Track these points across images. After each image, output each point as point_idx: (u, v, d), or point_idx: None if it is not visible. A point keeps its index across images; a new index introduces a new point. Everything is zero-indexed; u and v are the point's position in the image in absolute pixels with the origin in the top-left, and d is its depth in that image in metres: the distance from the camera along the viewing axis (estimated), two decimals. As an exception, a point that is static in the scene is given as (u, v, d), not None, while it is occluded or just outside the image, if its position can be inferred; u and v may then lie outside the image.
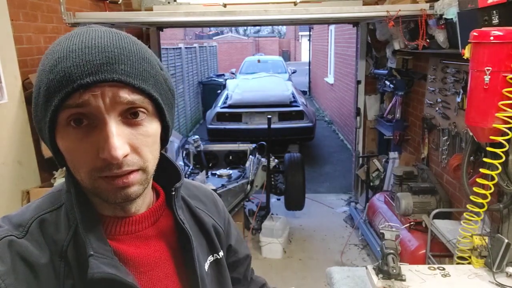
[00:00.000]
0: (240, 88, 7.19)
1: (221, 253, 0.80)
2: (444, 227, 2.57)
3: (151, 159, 0.62)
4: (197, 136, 4.93)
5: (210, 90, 10.22)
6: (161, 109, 0.62)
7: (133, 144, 0.58)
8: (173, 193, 0.71)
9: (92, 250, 0.58)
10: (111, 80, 0.55)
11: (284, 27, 33.13)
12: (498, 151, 1.81)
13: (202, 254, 0.75)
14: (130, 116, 0.58)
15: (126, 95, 0.56)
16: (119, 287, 0.59)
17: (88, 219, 0.62)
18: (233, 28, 29.61)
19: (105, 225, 0.65)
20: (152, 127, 0.62)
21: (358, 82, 4.67)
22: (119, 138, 0.56)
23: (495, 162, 1.84)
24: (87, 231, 0.60)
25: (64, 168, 0.65)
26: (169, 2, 3.49)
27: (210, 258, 0.78)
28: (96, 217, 0.64)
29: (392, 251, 1.80)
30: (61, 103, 0.55)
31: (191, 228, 0.72)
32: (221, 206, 0.88)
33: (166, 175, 0.73)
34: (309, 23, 9.71)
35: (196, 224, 0.77)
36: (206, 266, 0.75)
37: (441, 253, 2.67)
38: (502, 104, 1.75)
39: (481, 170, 1.94)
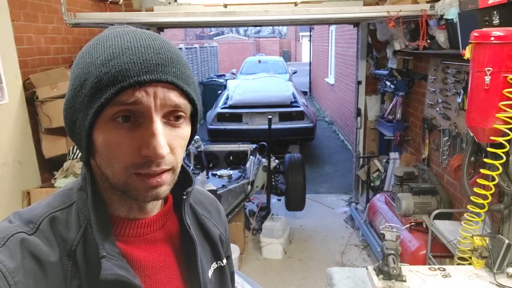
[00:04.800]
0: (240, 88, 7.19)
1: (224, 261, 0.80)
2: (444, 228, 2.57)
3: (180, 161, 0.64)
4: (197, 137, 4.93)
5: (210, 90, 10.23)
6: (196, 114, 0.65)
7: (171, 144, 0.60)
8: (184, 197, 0.72)
9: (104, 252, 0.59)
10: (165, 81, 0.57)
11: (285, 27, 33.16)
12: (498, 151, 1.81)
13: (206, 260, 0.75)
14: (172, 118, 0.60)
15: (175, 98, 0.59)
16: None
17: (100, 219, 0.62)
18: (233, 29, 29.63)
19: (115, 226, 0.65)
20: (187, 130, 0.64)
21: (359, 83, 4.67)
22: (164, 138, 0.58)
23: (496, 162, 1.84)
24: (99, 232, 0.60)
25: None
26: (169, 3, 3.49)
27: (214, 265, 0.78)
28: (108, 218, 0.64)
29: (392, 251, 1.81)
30: (113, 97, 0.55)
31: (196, 234, 0.72)
32: (223, 215, 0.89)
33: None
34: (310, 24, 9.71)
35: (201, 231, 0.77)
36: (210, 273, 0.76)
37: (441, 254, 2.67)
38: (502, 105, 1.75)
39: (482, 170, 1.94)
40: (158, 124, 0.57)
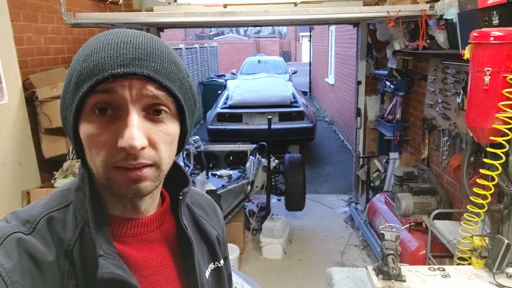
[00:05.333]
0: (240, 88, 7.19)
1: (221, 262, 0.80)
2: (444, 228, 2.57)
3: (166, 158, 0.63)
4: (197, 137, 4.93)
5: (210, 90, 10.23)
6: (183, 111, 0.64)
7: (151, 138, 0.60)
8: (180, 197, 0.71)
9: (101, 251, 0.59)
10: (140, 74, 0.57)
11: (285, 27, 33.15)
12: (498, 151, 1.81)
13: (203, 261, 0.75)
14: (152, 113, 0.60)
15: (152, 89, 0.59)
16: None
17: (98, 219, 0.62)
18: (233, 29, 29.63)
19: (112, 226, 0.65)
20: (172, 126, 0.63)
21: (359, 83, 4.67)
22: (139, 130, 0.57)
23: (495, 162, 1.84)
24: (97, 231, 0.61)
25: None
26: (169, 3, 3.49)
27: (211, 266, 0.78)
28: (105, 217, 0.64)
29: (392, 251, 1.81)
30: (89, 90, 0.57)
31: (193, 235, 0.72)
32: (220, 216, 0.89)
33: (173, 179, 0.73)
34: (310, 24, 9.71)
35: (198, 231, 0.77)
36: (207, 274, 0.76)
37: (441, 254, 2.67)
38: (502, 105, 1.75)
39: (481, 170, 1.93)
40: (134, 116, 0.57)
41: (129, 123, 0.56)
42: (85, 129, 0.59)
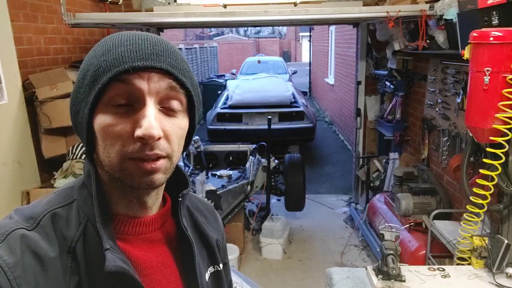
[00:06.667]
0: (240, 88, 7.19)
1: (221, 266, 0.81)
2: (444, 228, 2.57)
3: (177, 151, 0.65)
4: (197, 137, 4.93)
5: (210, 90, 10.22)
6: (193, 107, 0.67)
7: (165, 131, 0.61)
8: (180, 199, 0.72)
9: (108, 245, 0.60)
10: (158, 67, 0.60)
11: (285, 27, 33.15)
12: (498, 151, 1.81)
13: (202, 264, 0.76)
14: (167, 107, 0.63)
15: (169, 82, 0.62)
16: (127, 284, 0.59)
17: (103, 214, 0.63)
18: (233, 29, 29.62)
19: (115, 224, 0.66)
20: (184, 121, 0.66)
21: (359, 83, 4.67)
22: (156, 121, 0.59)
23: (495, 162, 1.84)
24: (102, 226, 0.61)
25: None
26: (169, 3, 3.49)
27: (211, 269, 0.78)
28: (109, 214, 0.65)
29: (392, 252, 1.81)
30: (109, 81, 0.59)
31: (193, 237, 0.72)
32: (220, 222, 0.90)
33: (173, 181, 0.74)
34: (309, 24, 9.72)
35: (198, 235, 0.78)
36: (207, 276, 0.76)
37: (441, 254, 2.67)
38: (501, 105, 1.75)
39: (481, 171, 1.93)
40: (151, 107, 0.60)
41: (147, 113, 0.59)
42: (101, 120, 0.60)
